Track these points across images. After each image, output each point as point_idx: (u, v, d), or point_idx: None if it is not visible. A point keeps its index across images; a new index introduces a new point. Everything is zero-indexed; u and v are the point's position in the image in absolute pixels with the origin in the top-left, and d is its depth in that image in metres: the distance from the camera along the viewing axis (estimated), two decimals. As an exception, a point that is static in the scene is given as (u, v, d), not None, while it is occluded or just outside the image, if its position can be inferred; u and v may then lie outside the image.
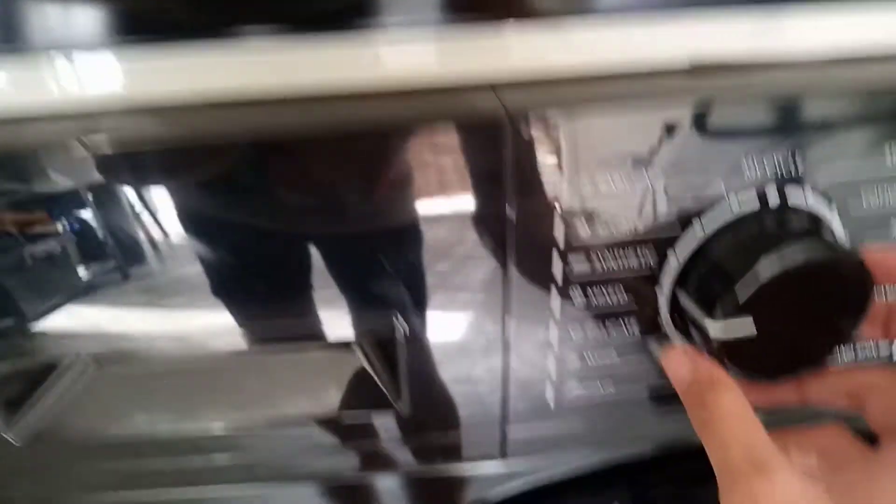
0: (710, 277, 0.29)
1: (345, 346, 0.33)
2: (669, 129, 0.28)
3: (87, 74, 0.27)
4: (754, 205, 0.29)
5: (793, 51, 0.30)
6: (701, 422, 0.27)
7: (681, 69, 0.30)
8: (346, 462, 0.35)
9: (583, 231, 0.29)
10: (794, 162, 0.29)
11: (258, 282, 0.29)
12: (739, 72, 0.30)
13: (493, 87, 0.29)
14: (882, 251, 0.28)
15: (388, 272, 0.29)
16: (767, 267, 0.27)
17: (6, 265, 0.28)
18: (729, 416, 0.26)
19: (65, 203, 0.27)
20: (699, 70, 0.30)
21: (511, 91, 0.28)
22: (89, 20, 0.26)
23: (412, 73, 0.28)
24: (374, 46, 0.28)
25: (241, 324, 0.30)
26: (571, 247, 0.29)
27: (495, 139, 0.27)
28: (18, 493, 0.36)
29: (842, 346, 0.30)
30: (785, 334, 0.30)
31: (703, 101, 0.27)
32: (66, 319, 0.29)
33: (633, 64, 0.29)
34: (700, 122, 0.28)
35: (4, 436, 0.32)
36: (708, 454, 0.26)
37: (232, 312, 0.30)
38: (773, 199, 0.29)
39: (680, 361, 0.29)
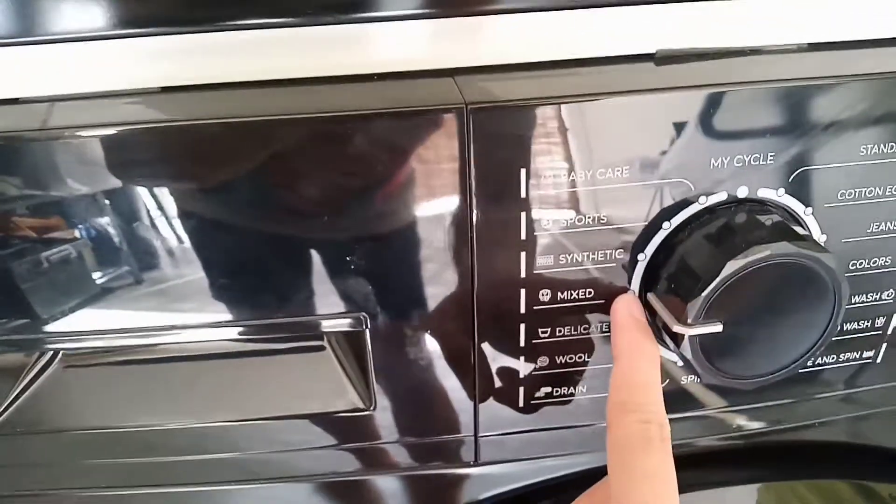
0: (677, 276, 0.28)
1: (317, 346, 0.32)
2: (645, 125, 0.27)
3: (89, 65, 0.27)
4: (721, 197, 0.28)
5: (762, 36, 0.29)
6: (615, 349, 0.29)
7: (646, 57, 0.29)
8: (324, 461, 0.34)
9: (549, 230, 0.28)
10: (765, 154, 0.28)
11: (236, 278, 0.29)
12: (707, 59, 0.29)
13: (453, 75, 0.28)
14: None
15: (353, 269, 0.28)
16: (732, 267, 0.26)
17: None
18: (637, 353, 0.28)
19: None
20: (666, 58, 0.29)
21: (472, 79, 0.27)
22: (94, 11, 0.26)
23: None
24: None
25: (217, 320, 0.29)
26: (537, 244, 0.28)
27: (456, 131, 0.26)
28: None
29: (816, 347, 0.29)
30: (757, 334, 0.28)
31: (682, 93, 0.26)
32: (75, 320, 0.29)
33: (598, 51, 0.29)
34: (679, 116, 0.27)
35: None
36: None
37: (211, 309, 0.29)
38: (743, 192, 0.28)
39: (627, 303, 0.30)
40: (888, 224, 0.30)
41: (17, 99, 0.27)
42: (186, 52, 0.27)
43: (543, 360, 0.31)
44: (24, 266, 0.28)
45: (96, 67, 0.27)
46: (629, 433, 0.26)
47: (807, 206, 0.29)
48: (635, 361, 0.28)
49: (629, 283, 0.30)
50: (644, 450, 0.26)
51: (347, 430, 0.33)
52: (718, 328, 0.27)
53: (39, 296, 0.28)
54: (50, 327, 0.29)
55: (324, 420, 0.32)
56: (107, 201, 0.26)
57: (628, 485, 0.25)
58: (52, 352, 0.31)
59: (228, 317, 0.29)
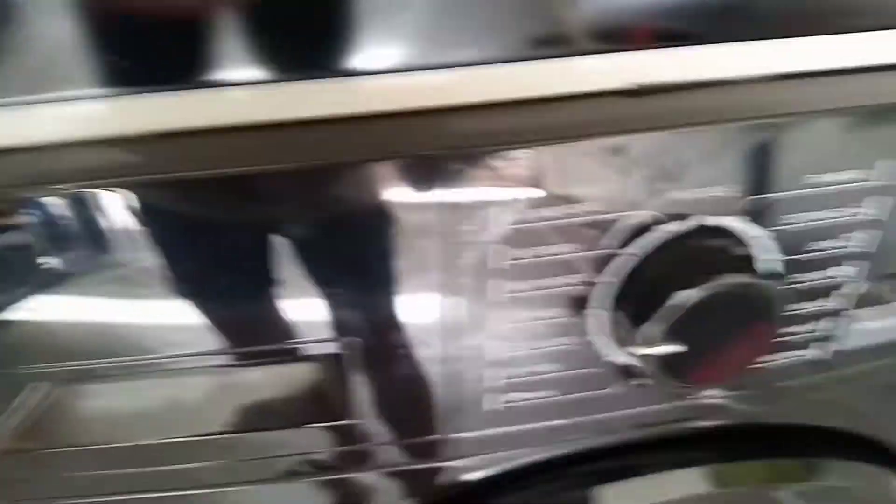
0: (636, 300, 0.31)
1: (302, 368, 0.33)
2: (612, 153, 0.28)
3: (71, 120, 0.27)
4: (682, 226, 0.30)
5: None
6: None
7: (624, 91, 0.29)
8: (311, 461, 0.37)
9: (521, 258, 0.30)
10: (726, 184, 0.29)
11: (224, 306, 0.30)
12: (685, 92, 0.30)
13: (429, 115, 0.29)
14: None
15: (335, 290, 0.30)
16: (686, 298, 0.29)
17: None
18: None
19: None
20: (643, 91, 0.30)
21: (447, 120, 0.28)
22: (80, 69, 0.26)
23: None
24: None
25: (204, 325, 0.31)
26: (504, 273, 0.30)
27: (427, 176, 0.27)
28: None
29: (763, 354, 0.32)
30: (711, 347, 0.31)
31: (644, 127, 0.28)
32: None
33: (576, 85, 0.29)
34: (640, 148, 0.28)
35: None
36: None
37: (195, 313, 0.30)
38: (702, 221, 0.30)
39: None
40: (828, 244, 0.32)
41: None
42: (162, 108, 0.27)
43: (511, 371, 0.34)
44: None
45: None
46: None
47: (761, 230, 0.31)
48: None
49: (588, 303, 0.32)
50: None
51: (329, 437, 0.35)
52: (677, 348, 0.29)
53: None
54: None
55: (308, 430, 0.35)
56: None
57: None
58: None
59: (220, 342, 0.31)
